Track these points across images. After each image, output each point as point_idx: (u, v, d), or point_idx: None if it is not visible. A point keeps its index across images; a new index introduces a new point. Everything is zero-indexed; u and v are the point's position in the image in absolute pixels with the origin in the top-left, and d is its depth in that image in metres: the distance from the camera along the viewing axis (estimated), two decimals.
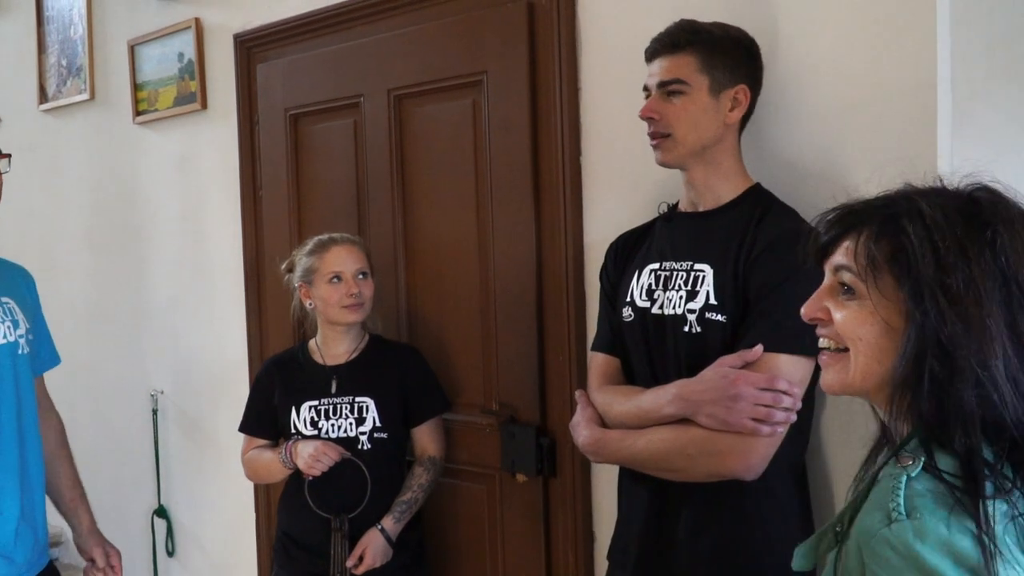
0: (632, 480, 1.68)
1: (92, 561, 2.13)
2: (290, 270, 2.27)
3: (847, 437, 1.64)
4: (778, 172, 1.70)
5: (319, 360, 2.22)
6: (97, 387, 3.42)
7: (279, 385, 2.23)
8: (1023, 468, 0.91)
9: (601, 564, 2.01)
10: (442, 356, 2.33)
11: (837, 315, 0.98)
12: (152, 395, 3.15)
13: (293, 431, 2.16)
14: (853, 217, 0.99)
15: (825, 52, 1.66)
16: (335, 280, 2.15)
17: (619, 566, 1.73)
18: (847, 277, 0.97)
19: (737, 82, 1.59)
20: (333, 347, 2.22)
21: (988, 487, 0.89)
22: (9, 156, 1.95)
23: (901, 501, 0.88)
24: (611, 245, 1.82)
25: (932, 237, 0.92)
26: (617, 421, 1.64)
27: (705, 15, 1.66)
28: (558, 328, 2.10)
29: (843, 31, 1.64)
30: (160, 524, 3.19)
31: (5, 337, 1.93)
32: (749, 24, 1.70)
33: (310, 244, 2.22)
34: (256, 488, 2.84)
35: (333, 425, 2.14)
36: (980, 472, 0.89)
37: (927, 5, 1.51)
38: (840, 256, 0.99)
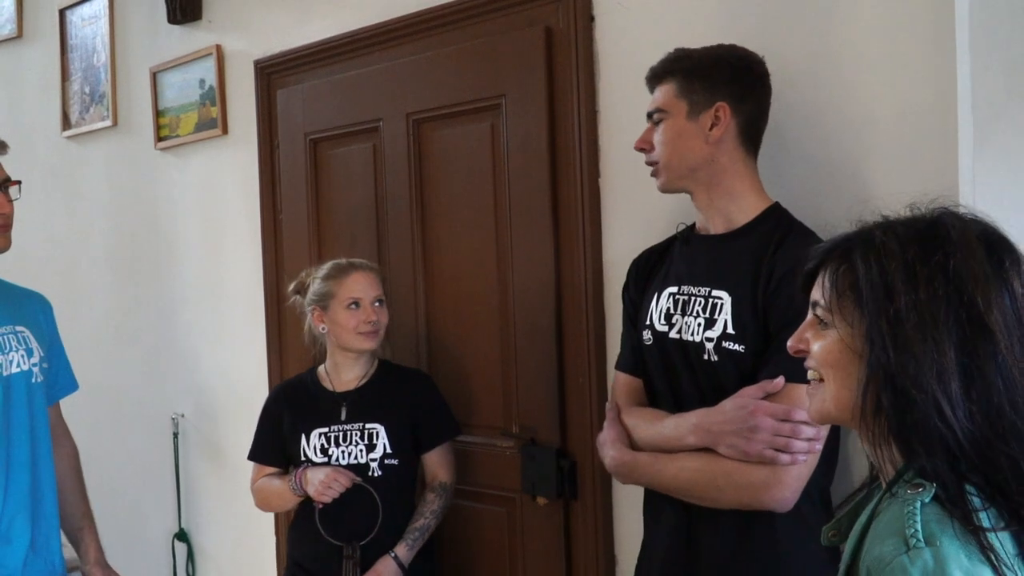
0: (659, 499, 1.67)
1: None
2: (298, 291, 2.25)
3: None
4: (800, 192, 1.70)
5: (328, 386, 2.21)
6: (118, 410, 3.44)
7: (288, 412, 2.21)
8: (1011, 494, 0.90)
9: None
10: (461, 378, 2.33)
11: (814, 346, 1.03)
12: (173, 418, 3.16)
13: (303, 458, 2.15)
14: (825, 252, 1.03)
15: (845, 72, 1.67)
16: (353, 306, 2.13)
17: None
18: (819, 310, 1.02)
19: (715, 100, 1.58)
20: (344, 373, 2.20)
21: (990, 518, 0.89)
22: (19, 183, 1.98)
23: (919, 527, 0.87)
24: (633, 262, 1.81)
25: (880, 263, 0.95)
26: (643, 445, 1.64)
27: (722, 37, 1.67)
28: (578, 349, 2.10)
29: (863, 51, 1.64)
30: (181, 548, 3.20)
31: (19, 366, 1.95)
32: (769, 47, 1.70)
33: (327, 268, 2.21)
34: (276, 512, 2.84)
35: (343, 452, 2.12)
36: (964, 501, 0.89)
37: (946, 26, 1.51)
38: (815, 291, 1.03)
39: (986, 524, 0.88)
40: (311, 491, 2.08)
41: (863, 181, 1.63)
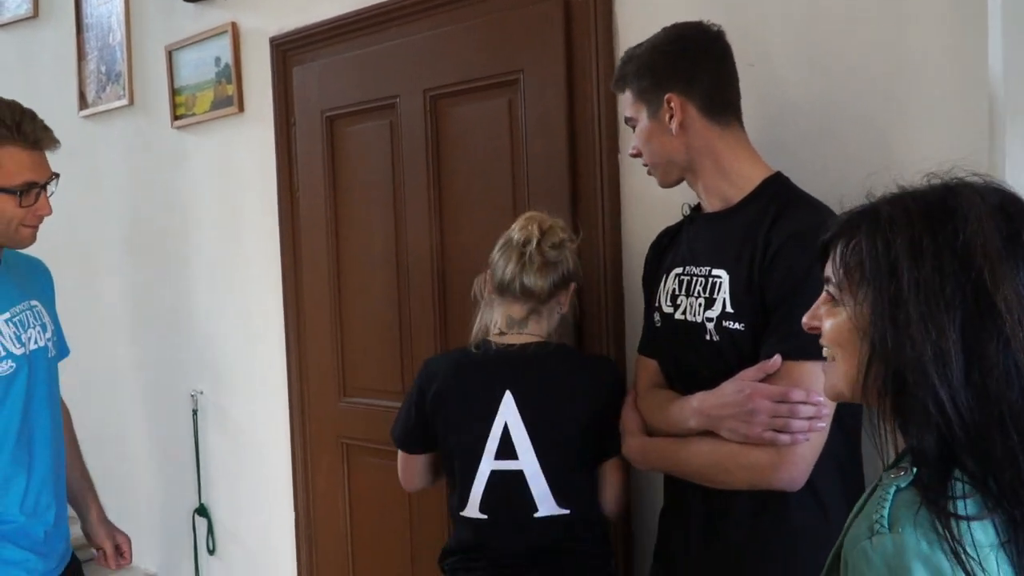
0: (677, 478, 1.67)
1: (101, 549, 2.14)
2: (541, 237, 1.85)
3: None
4: (826, 174, 1.68)
5: None
6: (138, 388, 3.46)
7: None
8: (1005, 482, 0.87)
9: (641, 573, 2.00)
10: None
11: (825, 324, 1.00)
12: (192, 395, 3.19)
13: None
14: (838, 225, 0.99)
15: (873, 51, 1.64)
16: None
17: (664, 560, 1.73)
18: (831, 287, 0.99)
19: (664, 93, 1.58)
20: None
21: (970, 506, 0.86)
22: (57, 176, 1.99)
23: (886, 513, 0.87)
24: (651, 244, 1.81)
25: (886, 238, 0.91)
26: (654, 430, 1.65)
27: (745, 11, 1.64)
28: (596, 330, 2.09)
29: (891, 32, 1.62)
30: (201, 523, 3.23)
31: (36, 342, 1.94)
32: (792, 21, 1.67)
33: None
34: (295, 486, 2.86)
35: None
36: (943, 487, 0.86)
37: (979, 8, 1.48)
38: (828, 266, 1.00)
39: (961, 512, 0.85)
40: None
41: (894, 160, 1.60)
